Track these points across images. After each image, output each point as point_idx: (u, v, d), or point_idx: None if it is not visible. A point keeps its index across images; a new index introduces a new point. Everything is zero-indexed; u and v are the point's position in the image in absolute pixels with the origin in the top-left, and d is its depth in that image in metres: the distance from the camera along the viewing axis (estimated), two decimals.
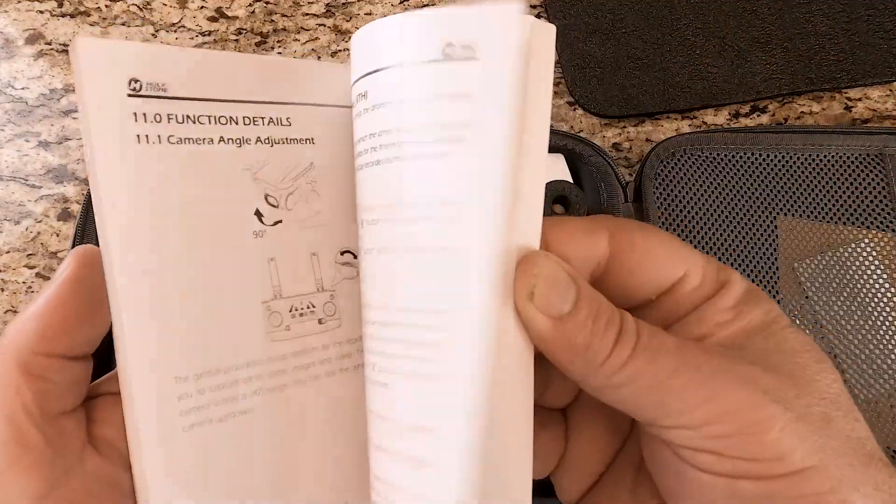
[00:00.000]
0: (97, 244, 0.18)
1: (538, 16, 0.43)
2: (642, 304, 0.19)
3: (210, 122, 0.19)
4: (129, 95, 0.17)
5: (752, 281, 0.35)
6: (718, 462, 0.16)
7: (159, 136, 0.18)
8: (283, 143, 0.20)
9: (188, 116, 0.18)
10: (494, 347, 0.16)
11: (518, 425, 0.17)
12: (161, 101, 0.18)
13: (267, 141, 0.20)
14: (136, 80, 0.17)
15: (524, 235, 0.17)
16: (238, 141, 0.19)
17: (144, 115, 0.17)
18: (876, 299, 0.34)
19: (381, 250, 0.18)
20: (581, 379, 0.17)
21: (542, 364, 0.18)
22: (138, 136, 0.17)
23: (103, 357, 0.20)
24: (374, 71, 0.17)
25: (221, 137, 0.19)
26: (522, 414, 0.17)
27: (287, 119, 0.20)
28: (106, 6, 0.43)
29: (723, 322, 0.18)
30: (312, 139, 0.21)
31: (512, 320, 0.17)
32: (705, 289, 0.18)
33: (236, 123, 0.19)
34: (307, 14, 0.43)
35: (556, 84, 0.42)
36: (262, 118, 0.20)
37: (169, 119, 0.18)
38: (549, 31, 0.17)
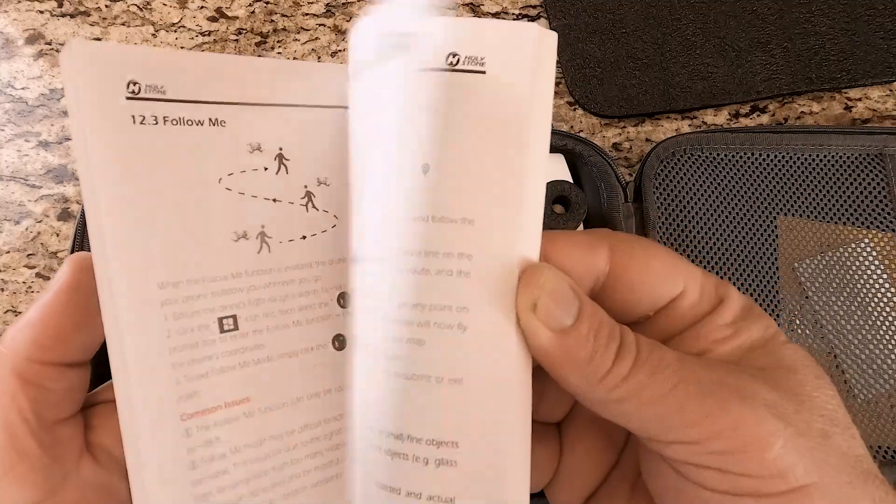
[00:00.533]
0: None
1: (538, 16, 0.43)
2: (640, 320, 0.19)
3: (210, 125, 0.19)
4: (129, 98, 0.17)
5: (752, 281, 0.35)
6: (721, 479, 0.15)
7: (158, 137, 0.18)
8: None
9: (187, 119, 0.18)
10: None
11: (516, 438, 0.17)
12: (160, 104, 0.18)
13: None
14: (135, 83, 0.17)
15: (526, 247, 0.17)
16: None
17: (143, 117, 0.17)
18: (876, 299, 0.34)
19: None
20: (581, 393, 0.17)
21: (537, 377, 0.18)
22: (136, 138, 0.17)
23: (101, 364, 0.20)
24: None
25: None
26: (520, 427, 0.17)
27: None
28: (106, 6, 0.43)
29: (721, 338, 0.18)
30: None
31: (513, 333, 0.17)
32: (703, 305, 0.18)
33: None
34: (307, 14, 0.43)
35: (556, 84, 0.42)
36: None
37: (166, 121, 0.18)
38: (551, 39, 0.17)
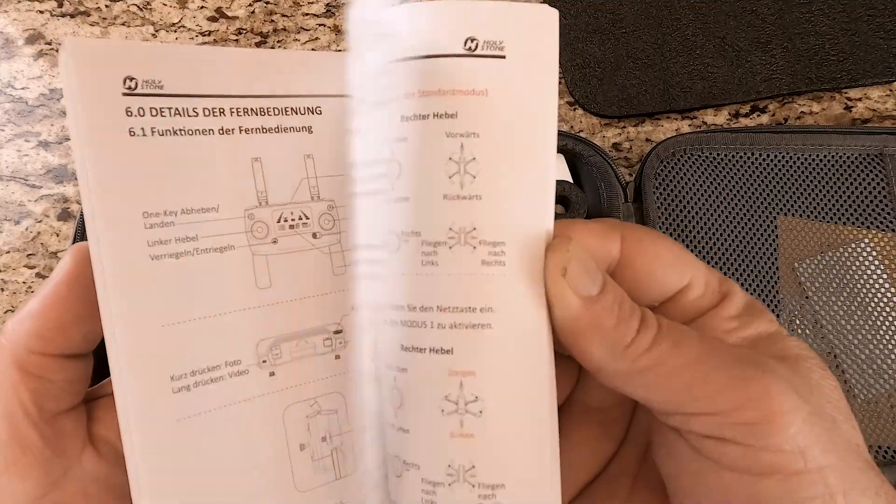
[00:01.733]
0: None
1: None
2: None
3: (209, 115, 0.18)
4: (125, 94, 0.17)
5: (752, 281, 0.35)
6: (742, 455, 0.15)
7: (154, 131, 0.18)
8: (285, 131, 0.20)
9: (185, 110, 0.18)
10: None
11: (548, 422, 0.17)
12: (157, 99, 0.18)
13: (267, 130, 0.20)
14: (132, 79, 0.17)
15: (548, 225, 0.17)
16: (239, 131, 0.19)
17: (140, 109, 0.17)
18: (876, 299, 0.34)
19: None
20: (602, 365, 0.17)
21: None
22: (132, 130, 0.17)
23: (105, 356, 0.20)
24: (392, 61, 0.17)
25: (221, 128, 0.19)
26: (549, 411, 0.17)
27: (289, 110, 0.20)
28: (106, 6, 0.43)
29: (728, 330, 0.18)
30: (310, 128, 0.20)
31: (542, 313, 0.17)
32: (707, 299, 0.18)
33: (238, 115, 0.19)
34: (307, 14, 0.43)
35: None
36: (263, 109, 0.19)
37: (164, 113, 0.18)
38: (556, 16, 0.17)
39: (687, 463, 0.17)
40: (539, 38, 0.16)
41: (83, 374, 0.19)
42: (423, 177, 0.17)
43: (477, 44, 0.16)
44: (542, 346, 0.17)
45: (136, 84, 0.17)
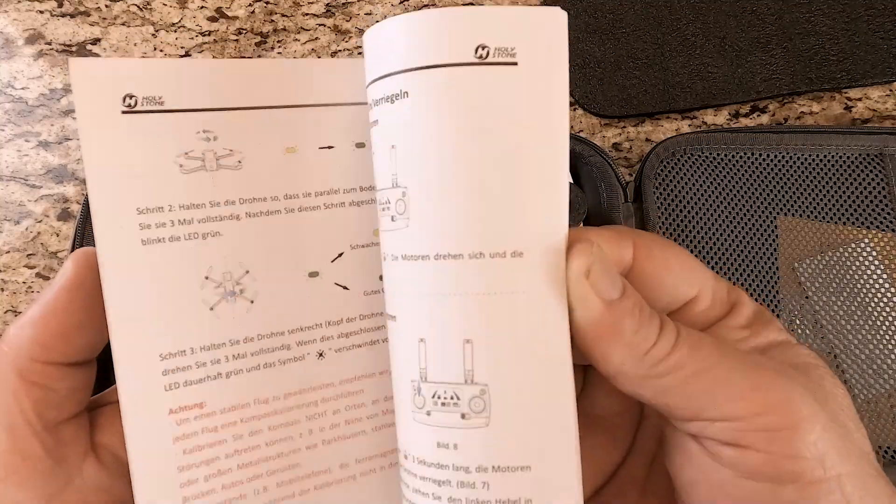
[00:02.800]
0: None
1: None
2: None
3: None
4: (124, 112, 0.17)
5: (752, 281, 0.35)
6: (763, 462, 0.15)
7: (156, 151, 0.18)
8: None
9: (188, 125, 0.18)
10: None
11: (571, 426, 0.17)
12: (157, 116, 0.17)
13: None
14: (132, 96, 0.17)
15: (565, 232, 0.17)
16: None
17: (143, 128, 0.17)
18: (876, 299, 0.34)
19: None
20: (622, 370, 0.17)
21: None
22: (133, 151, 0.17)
23: (110, 361, 0.20)
24: (401, 71, 0.16)
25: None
26: (570, 414, 0.17)
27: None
28: (106, 6, 0.43)
29: (739, 339, 0.18)
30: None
31: (562, 316, 0.17)
32: (715, 310, 0.18)
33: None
34: (307, 14, 0.43)
35: None
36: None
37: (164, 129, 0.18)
38: (565, 18, 0.17)
39: (704, 472, 0.17)
40: (550, 42, 0.16)
41: (86, 382, 0.19)
42: None
43: (488, 51, 0.16)
44: (561, 349, 0.17)
45: (136, 101, 0.17)
